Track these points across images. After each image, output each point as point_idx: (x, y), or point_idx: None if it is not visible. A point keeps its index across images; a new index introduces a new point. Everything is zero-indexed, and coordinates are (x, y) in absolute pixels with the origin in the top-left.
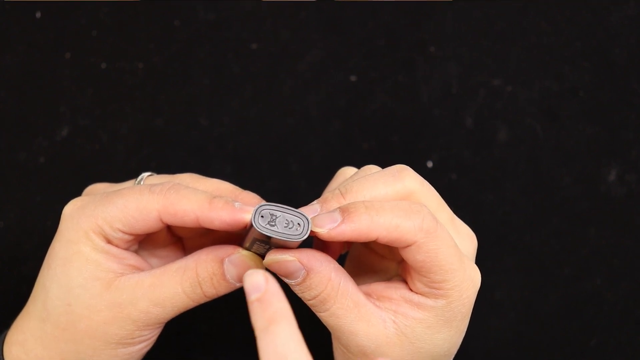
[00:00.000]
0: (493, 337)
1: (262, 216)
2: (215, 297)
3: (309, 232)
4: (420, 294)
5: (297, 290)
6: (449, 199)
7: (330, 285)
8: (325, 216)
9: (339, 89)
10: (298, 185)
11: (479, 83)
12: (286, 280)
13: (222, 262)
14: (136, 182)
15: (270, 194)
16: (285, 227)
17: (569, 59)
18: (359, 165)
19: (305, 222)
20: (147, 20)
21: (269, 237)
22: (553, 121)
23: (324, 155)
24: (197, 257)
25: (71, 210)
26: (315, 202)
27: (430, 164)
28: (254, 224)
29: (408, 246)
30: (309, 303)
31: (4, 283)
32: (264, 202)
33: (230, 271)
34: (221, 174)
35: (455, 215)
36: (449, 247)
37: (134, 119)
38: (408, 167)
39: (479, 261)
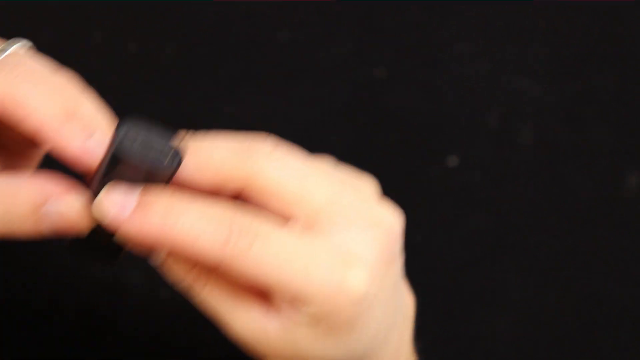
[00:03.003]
0: (506, 336)
1: (124, 139)
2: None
3: (180, 163)
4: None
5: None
6: (469, 199)
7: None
8: (119, 194)
9: (365, 83)
10: None
11: (504, 83)
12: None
13: (39, 205)
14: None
15: None
16: (153, 153)
17: (595, 63)
18: (380, 160)
19: (178, 152)
20: (176, 5)
21: (125, 168)
22: (576, 124)
23: (346, 149)
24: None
25: None
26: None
27: (452, 162)
28: (116, 142)
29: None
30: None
31: None
32: (128, 121)
33: (47, 221)
34: None
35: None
36: (277, 266)
37: (159, 104)
38: (269, 143)
39: (495, 261)
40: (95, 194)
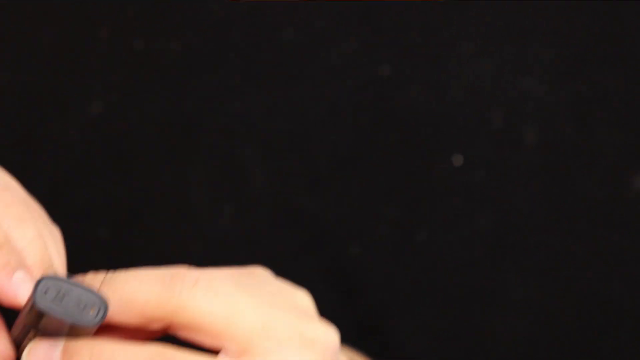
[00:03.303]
0: (510, 336)
1: (46, 292)
2: None
3: (105, 316)
4: None
5: None
6: (474, 198)
7: None
8: (43, 350)
9: (369, 82)
10: (322, 174)
11: (510, 83)
12: None
13: None
14: None
15: (295, 183)
16: (76, 307)
17: (602, 64)
18: (384, 159)
19: (102, 303)
20: (183, 2)
21: (48, 320)
22: (582, 125)
23: (351, 147)
24: None
25: None
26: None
27: (457, 161)
28: (35, 299)
29: None
30: None
31: None
32: (49, 274)
33: None
34: (247, 159)
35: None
36: None
37: (164, 100)
38: (195, 276)
39: (499, 260)
40: (18, 341)
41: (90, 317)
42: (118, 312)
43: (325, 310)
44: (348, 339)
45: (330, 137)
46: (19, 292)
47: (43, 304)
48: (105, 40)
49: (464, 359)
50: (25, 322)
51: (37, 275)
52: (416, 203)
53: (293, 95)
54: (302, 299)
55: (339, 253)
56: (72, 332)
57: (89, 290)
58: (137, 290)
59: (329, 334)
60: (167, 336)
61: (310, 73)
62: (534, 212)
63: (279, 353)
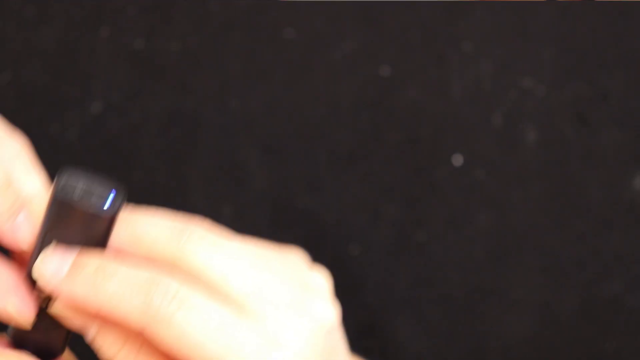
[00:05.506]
0: (510, 336)
1: (64, 186)
2: None
3: (122, 204)
4: None
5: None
6: (474, 198)
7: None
8: (55, 261)
9: (370, 81)
10: (322, 174)
11: (511, 83)
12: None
13: None
14: None
15: (295, 183)
16: (94, 197)
17: (602, 64)
18: (385, 159)
19: (119, 193)
20: (183, 2)
21: (71, 210)
22: (582, 125)
23: (351, 147)
24: None
25: None
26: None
27: (457, 161)
28: (55, 192)
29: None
30: None
31: None
32: (67, 171)
33: None
34: (247, 159)
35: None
36: (199, 338)
37: (164, 100)
38: (205, 233)
39: (500, 260)
40: (38, 251)
41: (109, 206)
42: (127, 244)
43: None
44: (348, 339)
45: (330, 137)
46: (19, 234)
47: (63, 194)
48: (105, 40)
49: (464, 359)
50: (45, 227)
51: (39, 222)
52: (416, 203)
53: (293, 95)
54: (315, 278)
55: (339, 253)
56: (88, 232)
57: (106, 184)
58: (149, 229)
59: (327, 311)
60: None
61: (311, 73)
62: (534, 212)
63: (273, 317)
